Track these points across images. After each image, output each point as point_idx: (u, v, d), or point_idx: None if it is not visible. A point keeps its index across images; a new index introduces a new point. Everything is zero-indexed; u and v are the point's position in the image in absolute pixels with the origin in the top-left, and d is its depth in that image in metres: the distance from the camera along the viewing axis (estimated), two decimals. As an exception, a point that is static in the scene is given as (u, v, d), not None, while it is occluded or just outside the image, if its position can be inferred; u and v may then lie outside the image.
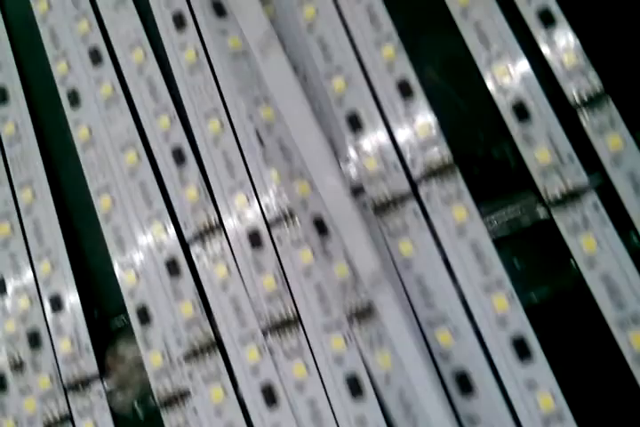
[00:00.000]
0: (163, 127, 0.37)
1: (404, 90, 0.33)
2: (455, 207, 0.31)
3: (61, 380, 0.36)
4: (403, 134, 0.33)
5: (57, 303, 0.37)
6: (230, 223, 0.35)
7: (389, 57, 0.34)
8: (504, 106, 0.31)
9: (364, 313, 0.31)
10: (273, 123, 0.34)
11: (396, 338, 0.28)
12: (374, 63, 0.34)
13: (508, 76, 0.31)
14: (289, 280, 0.33)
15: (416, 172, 0.32)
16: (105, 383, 0.36)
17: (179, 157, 0.37)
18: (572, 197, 0.29)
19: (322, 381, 0.32)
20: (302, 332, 0.33)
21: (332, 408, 0.31)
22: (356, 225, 0.29)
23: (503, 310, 0.29)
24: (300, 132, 0.31)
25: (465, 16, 0.33)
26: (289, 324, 0.33)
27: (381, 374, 0.30)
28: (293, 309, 0.33)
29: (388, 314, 0.28)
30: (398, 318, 0.28)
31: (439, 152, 0.32)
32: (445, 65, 0.34)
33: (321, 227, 0.32)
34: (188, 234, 0.36)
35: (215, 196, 0.36)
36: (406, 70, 0.33)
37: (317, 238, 0.32)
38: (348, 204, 0.30)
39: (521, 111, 0.31)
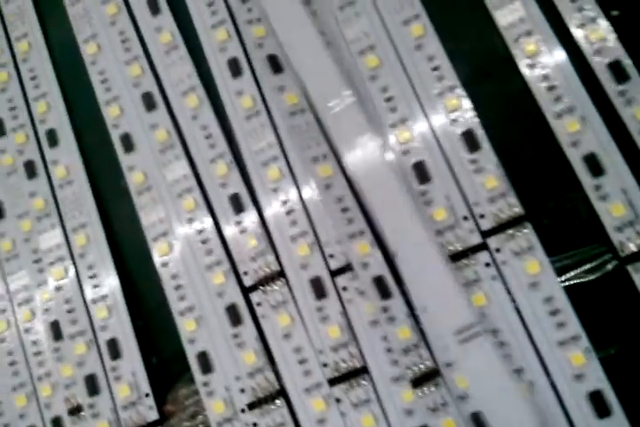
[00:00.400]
0: (219, 174, 0.38)
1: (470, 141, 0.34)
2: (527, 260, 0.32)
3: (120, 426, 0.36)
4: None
5: (114, 348, 0.37)
6: (291, 271, 0.35)
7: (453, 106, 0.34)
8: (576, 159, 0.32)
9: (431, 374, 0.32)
10: (332, 181, 0.35)
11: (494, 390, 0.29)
12: (436, 112, 0.35)
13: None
14: (355, 330, 0.34)
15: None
16: (165, 430, 0.36)
17: (237, 204, 0.37)
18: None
19: (391, 432, 0.32)
20: (370, 382, 0.33)
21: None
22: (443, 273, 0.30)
23: (580, 366, 0.30)
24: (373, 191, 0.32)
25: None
26: (356, 374, 0.33)
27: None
28: (360, 359, 0.33)
29: (486, 365, 0.29)
30: (498, 368, 0.29)
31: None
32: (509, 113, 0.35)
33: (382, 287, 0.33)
34: (248, 281, 0.36)
35: (276, 244, 0.36)
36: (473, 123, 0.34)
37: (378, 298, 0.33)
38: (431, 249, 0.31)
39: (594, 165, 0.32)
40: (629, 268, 0.31)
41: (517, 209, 0.32)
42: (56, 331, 0.39)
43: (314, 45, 0.34)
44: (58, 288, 0.39)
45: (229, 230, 0.37)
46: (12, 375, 0.39)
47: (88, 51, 0.41)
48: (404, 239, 0.31)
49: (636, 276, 0.31)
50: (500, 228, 0.33)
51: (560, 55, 0.34)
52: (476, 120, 0.34)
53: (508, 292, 0.32)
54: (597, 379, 0.30)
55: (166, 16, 0.40)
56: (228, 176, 0.37)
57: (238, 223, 0.37)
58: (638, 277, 0.31)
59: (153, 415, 0.36)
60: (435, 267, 0.31)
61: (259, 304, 0.36)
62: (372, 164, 0.33)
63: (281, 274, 0.36)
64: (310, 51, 0.34)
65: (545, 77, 0.34)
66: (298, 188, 0.36)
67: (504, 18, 0.35)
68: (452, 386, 0.31)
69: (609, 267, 0.32)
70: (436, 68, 0.35)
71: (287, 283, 0.35)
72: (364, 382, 0.33)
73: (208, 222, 0.37)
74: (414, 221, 0.31)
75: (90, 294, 0.39)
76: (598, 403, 0.30)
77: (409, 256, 0.31)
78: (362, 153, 0.33)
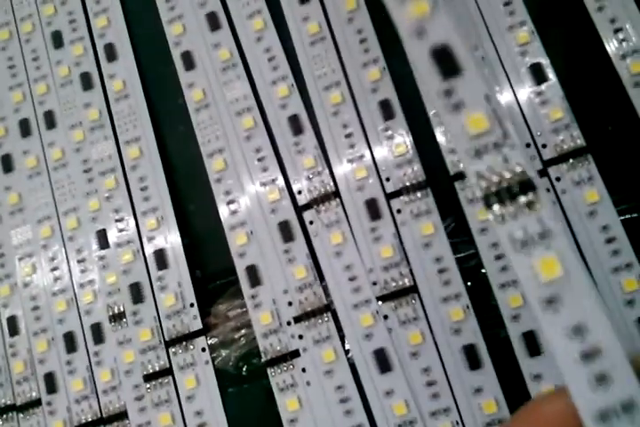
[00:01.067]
0: (281, 95, 0.38)
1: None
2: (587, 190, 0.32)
3: (163, 334, 0.37)
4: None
5: (162, 259, 0.38)
6: (346, 193, 0.36)
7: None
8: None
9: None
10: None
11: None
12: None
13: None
14: (407, 251, 0.34)
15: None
16: (208, 339, 0.37)
17: (296, 125, 0.37)
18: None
19: (438, 349, 0.33)
20: (419, 301, 0.34)
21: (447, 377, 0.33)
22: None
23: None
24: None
25: None
26: (405, 293, 0.34)
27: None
28: (410, 278, 0.34)
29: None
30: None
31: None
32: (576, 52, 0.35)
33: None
34: (302, 200, 0.37)
35: (333, 166, 0.36)
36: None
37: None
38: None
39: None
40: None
41: (580, 141, 0.33)
42: (103, 240, 0.39)
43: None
44: (108, 198, 0.39)
45: (286, 151, 0.37)
46: (53, 281, 0.39)
47: (155, -32, 0.41)
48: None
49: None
50: (561, 158, 0.33)
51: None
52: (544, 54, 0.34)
53: (566, 219, 0.33)
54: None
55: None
56: (289, 98, 0.38)
57: (296, 144, 0.37)
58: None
59: (197, 325, 0.37)
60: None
61: (311, 222, 0.36)
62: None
63: (336, 194, 0.36)
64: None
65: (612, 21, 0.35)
66: (358, 112, 0.37)
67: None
68: (504, 305, 0.32)
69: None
70: (507, 4, 0.36)
71: (342, 203, 0.36)
72: (413, 300, 0.34)
73: (265, 141, 0.38)
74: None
75: (139, 206, 0.39)
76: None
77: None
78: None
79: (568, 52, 0.35)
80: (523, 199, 0.16)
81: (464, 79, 0.16)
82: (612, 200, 0.32)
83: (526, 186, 0.16)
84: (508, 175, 0.16)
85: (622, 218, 0.32)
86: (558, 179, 0.33)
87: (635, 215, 0.33)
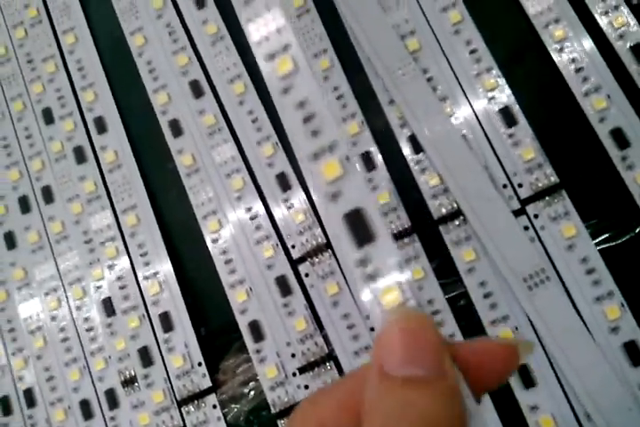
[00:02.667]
0: (267, 154, 0.40)
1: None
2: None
3: (175, 395, 0.38)
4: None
5: (167, 322, 0.39)
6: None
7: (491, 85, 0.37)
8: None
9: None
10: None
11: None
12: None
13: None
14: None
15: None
16: (218, 396, 0.38)
17: (284, 182, 0.39)
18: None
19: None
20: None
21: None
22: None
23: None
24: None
25: None
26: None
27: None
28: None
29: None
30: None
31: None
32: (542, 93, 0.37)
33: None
34: (296, 254, 0.38)
35: (322, 219, 0.38)
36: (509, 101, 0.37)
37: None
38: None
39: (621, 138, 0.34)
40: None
41: (553, 178, 0.35)
42: (109, 308, 0.40)
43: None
44: (110, 266, 0.41)
45: (277, 208, 0.39)
46: (64, 351, 0.40)
47: (136, 43, 0.44)
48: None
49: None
50: (537, 195, 0.35)
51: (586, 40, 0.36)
52: (513, 98, 0.36)
53: (547, 253, 0.34)
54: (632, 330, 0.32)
55: (211, 8, 0.43)
56: (275, 156, 0.40)
57: (285, 200, 0.39)
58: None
59: (206, 383, 0.38)
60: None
61: (307, 275, 0.38)
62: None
63: (327, 246, 0.38)
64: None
65: (573, 61, 0.36)
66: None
67: (533, 7, 0.38)
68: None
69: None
70: (473, 51, 0.38)
71: (334, 254, 0.37)
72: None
73: (256, 200, 0.39)
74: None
75: (141, 271, 0.40)
76: (632, 352, 0.32)
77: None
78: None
79: (534, 93, 0.37)
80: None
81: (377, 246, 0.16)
82: (588, 232, 0.34)
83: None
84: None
85: (600, 248, 0.34)
86: (536, 216, 0.35)
87: (612, 244, 0.34)
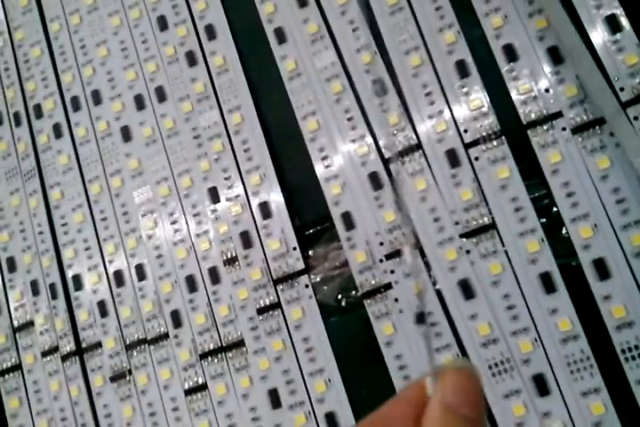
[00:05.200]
0: (365, 62, 0.43)
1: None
2: None
3: (271, 274, 0.42)
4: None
5: (267, 210, 0.43)
6: (428, 145, 0.40)
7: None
8: None
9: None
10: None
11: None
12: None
13: None
14: (485, 194, 0.39)
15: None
16: (311, 277, 0.42)
17: (382, 88, 0.42)
18: None
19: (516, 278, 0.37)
20: (498, 236, 0.38)
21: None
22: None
23: None
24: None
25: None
26: (485, 230, 0.38)
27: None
28: (489, 217, 0.38)
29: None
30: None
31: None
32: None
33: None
34: (387, 154, 0.41)
35: (414, 121, 0.41)
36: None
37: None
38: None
39: None
40: None
41: None
42: (215, 196, 0.44)
43: None
44: (216, 160, 0.45)
45: (372, 111, 0.42)
46: (173, 232, 0.45)
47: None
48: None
49: None
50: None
51: None
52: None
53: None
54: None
55: None
56: (373, 64, 0.42)
57: (381, 104, 0.42)
58: None
59: (300, 265, 0.42)
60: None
61: (398, 173, 0.41)
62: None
63: (419, 146, 0.41)
64: None
65: None
66: (437, 74, 0.41)
67: None
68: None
69: None
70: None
71: (424, 154, 0.40)
72: (492, 237, 0.38)
73: (353, 103, 0.42)
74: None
75: (244, 165, 0.44)
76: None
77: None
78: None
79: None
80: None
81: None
82: None
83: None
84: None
85: None
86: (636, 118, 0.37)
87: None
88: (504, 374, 0.37)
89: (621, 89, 0.37)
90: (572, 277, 0.37)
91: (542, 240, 0.37)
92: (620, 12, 0.38)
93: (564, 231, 0.37)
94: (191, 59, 0.47)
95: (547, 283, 0.37)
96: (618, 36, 0.38)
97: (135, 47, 0.49)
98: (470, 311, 0.38)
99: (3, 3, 0.54)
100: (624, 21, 0.38)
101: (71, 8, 0.52)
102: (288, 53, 0.45)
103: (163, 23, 0.49)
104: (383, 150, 0.42)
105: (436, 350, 0.38)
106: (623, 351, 0.35)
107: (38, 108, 0.50)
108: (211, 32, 0.47)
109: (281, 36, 0.45)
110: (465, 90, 0.40)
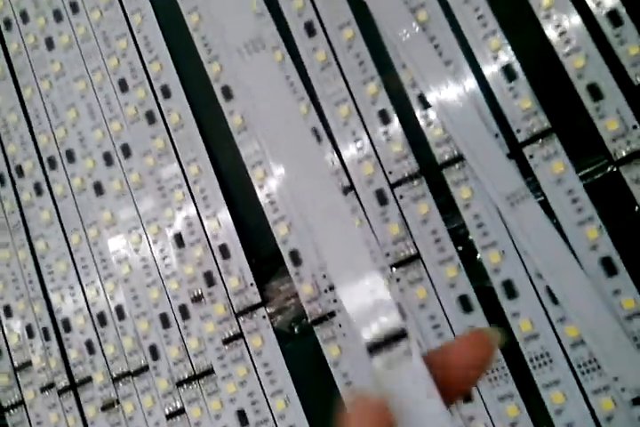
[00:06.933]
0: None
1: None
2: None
3: (233, 308, 0.48)
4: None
5: (226, 251, 0.49)
6: (358, 185, 0.46)
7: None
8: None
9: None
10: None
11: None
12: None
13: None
14: (410, 228, 0.44)
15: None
16: (267, 309, 0.47)
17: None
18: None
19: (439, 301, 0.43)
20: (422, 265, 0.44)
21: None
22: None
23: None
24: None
25: None
26: (412, 259, 0.44)
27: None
28: (414, 248, 0.44)
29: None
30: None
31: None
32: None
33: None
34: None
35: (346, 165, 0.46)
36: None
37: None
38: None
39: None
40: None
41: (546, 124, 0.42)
42: (179, 240, 0.50)
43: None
44: (179, 208, 0.51)
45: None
46: (146, 275, 0.51)
47: (193, 20, 0.52)
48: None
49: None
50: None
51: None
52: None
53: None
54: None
55: None
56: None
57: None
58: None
59: (257, 299, 0.47)
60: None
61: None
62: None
63: (351, 187, 0.46)
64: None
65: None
66: (363, 121, 0.46)
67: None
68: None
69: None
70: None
71: (356, 194, 0.46)
72: (416, 265, 0.44)
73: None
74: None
75: (203, 212, 0.50)
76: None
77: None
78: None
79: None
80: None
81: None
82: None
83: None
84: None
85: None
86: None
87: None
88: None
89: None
90: (486, 297, 0.42)
91: (459, 266, 0.43)
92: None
93: (477, 257, 0.43)
94: (150, 117, 0.53)
95: (465, 304, 0.42)
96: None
97: (101, 108, 0.55)
98: (404, 332, 0.43)
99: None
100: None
101: (41, 73, 0.57)
102: (234, 109, 0.50)
103: (123, 85, 0.54)
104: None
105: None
106: (531, 360, 0.40)
107: (20, 168, 0.56)
108: (166, 92, 0.53)
109: (227, 92, 0.51)
110: (388, 136, 0.46)
